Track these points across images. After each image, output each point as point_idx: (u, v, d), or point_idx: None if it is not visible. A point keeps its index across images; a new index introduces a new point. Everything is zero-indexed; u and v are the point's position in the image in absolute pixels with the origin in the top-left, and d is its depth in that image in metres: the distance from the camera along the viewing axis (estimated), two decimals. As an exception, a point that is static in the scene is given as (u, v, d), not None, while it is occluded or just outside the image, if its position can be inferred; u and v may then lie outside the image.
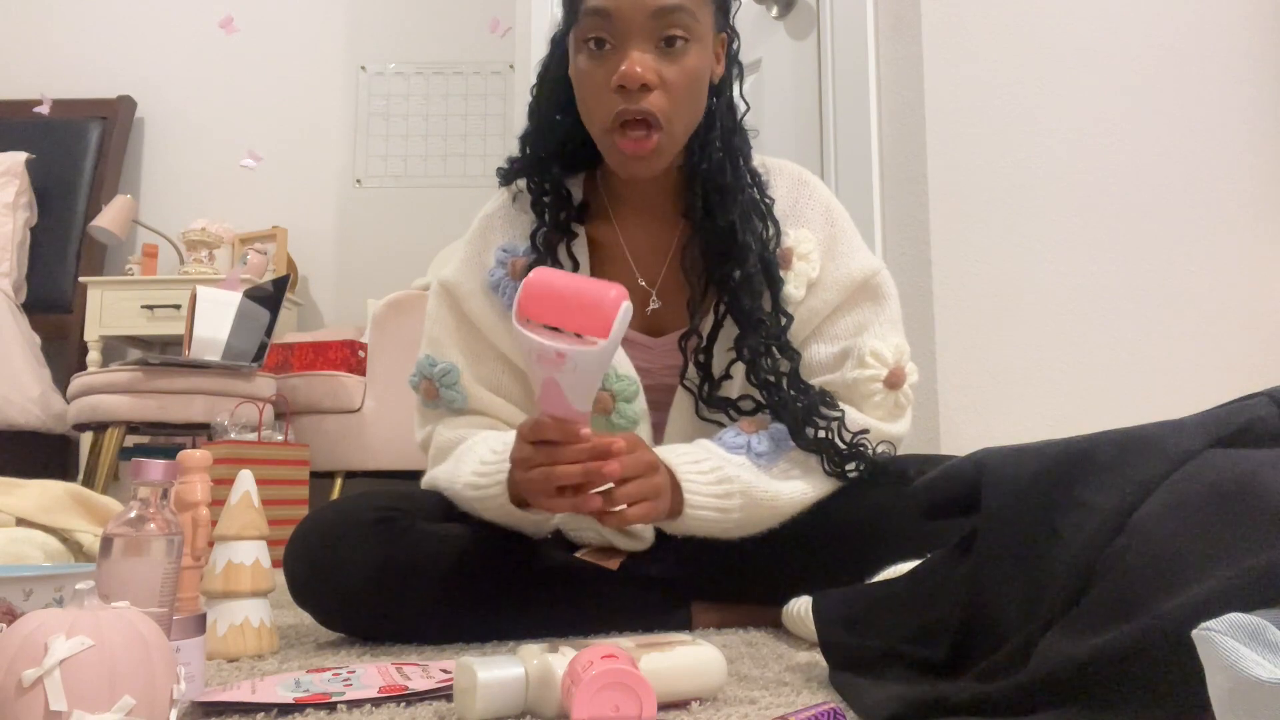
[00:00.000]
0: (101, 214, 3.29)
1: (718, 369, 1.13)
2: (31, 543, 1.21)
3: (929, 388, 1.62)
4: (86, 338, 3.36)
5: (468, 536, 1.08)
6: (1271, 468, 0.54)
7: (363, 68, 3.91)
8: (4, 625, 0.78)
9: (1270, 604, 0.45)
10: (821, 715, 0.61)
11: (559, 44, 1.14)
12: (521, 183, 1.20)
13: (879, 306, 1.15)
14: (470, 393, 1.17)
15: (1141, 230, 1.72)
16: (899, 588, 0.80)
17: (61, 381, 3.00)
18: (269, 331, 2.67)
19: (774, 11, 2.02)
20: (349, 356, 2.92)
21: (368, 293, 3.57)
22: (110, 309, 3.37)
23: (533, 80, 1.19)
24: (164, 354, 3.06)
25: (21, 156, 3.51)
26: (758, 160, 1.18)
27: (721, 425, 1.13)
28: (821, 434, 1.08)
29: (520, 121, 1.22)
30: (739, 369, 1.12)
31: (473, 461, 1.08)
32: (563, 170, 1.19)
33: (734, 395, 1.13)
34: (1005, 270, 1.68)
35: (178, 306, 3.25)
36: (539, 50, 1.25)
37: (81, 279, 3.45)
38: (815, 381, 1.12)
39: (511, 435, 0.99)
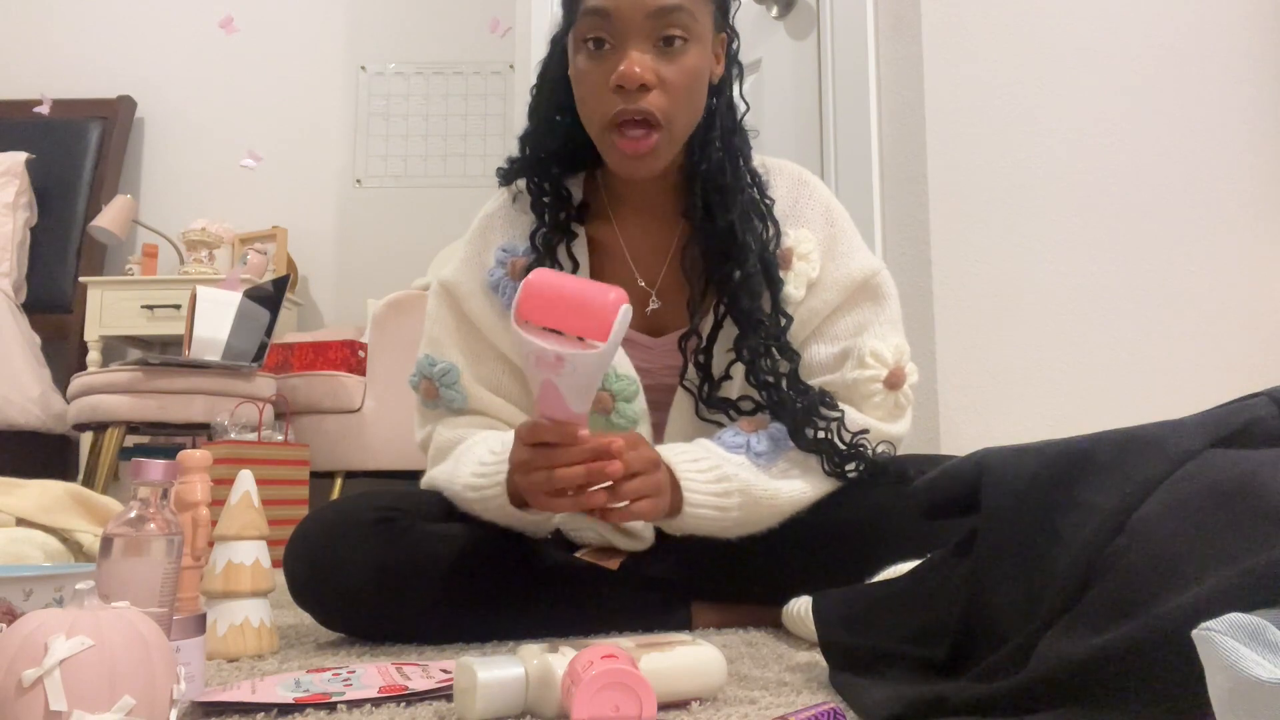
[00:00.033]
0: (101, 214, 3.29)
1: (717, 369, 1.13)
2: (31, 543, 1.21)
3: (929, 388, 1.62)
4: (86, 338, 3.36)
5: (468, 537, 1.08)
6: (1271, 468, 0.54)
7: (363, 68, 3.91)
8: (4, 625, 0.78)
9: (1270, 604, 0.45)
10: (821, 715, 0.61)
11: (558, 44, 1.14)
12: (521, 183, 1.20)
13: (879, 306, 1.15)
14: (470, 392, 1.17)
15: (1141, 230, 1.72)
16: (899, 588, 0.80)
17: (61, 381, 3.00)
18: (269, 331, 2.67)
19: (774, 11, 2.02)
20: (349, 356, 2.92)
21: (368, 293, 3.57)
22: (110, 309, 3.37)
23: (533, 80, 1.19)
24: (164, 354, 3.06)
25: (21, 156, 3.52)
26: (758, 160, 1.18)
27: (721, 425, 1.12)
28: (821, 434, 1.08)
29: (520, 121, 1.22)
30: (738, 369, 1.11)
31: (472, 462, 1.08)
32: (563, 170, 1.19)
33: (734, 395, 1.13)
34: (1005, 270, 1.68)
35: (178, 306, 3.25)
36: (539, 50, 1.25)
37: (81, 279, 3.45)
38: (815, 382, 1.12)
39: (511, 435, 0.99)
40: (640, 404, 1.14)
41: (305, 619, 1.19)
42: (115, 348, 3.55)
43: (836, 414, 1.09)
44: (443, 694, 0.77)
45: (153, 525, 0.70)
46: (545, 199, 1.17)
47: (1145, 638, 0.49)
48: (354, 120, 3.89)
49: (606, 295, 0.82)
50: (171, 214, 3.67)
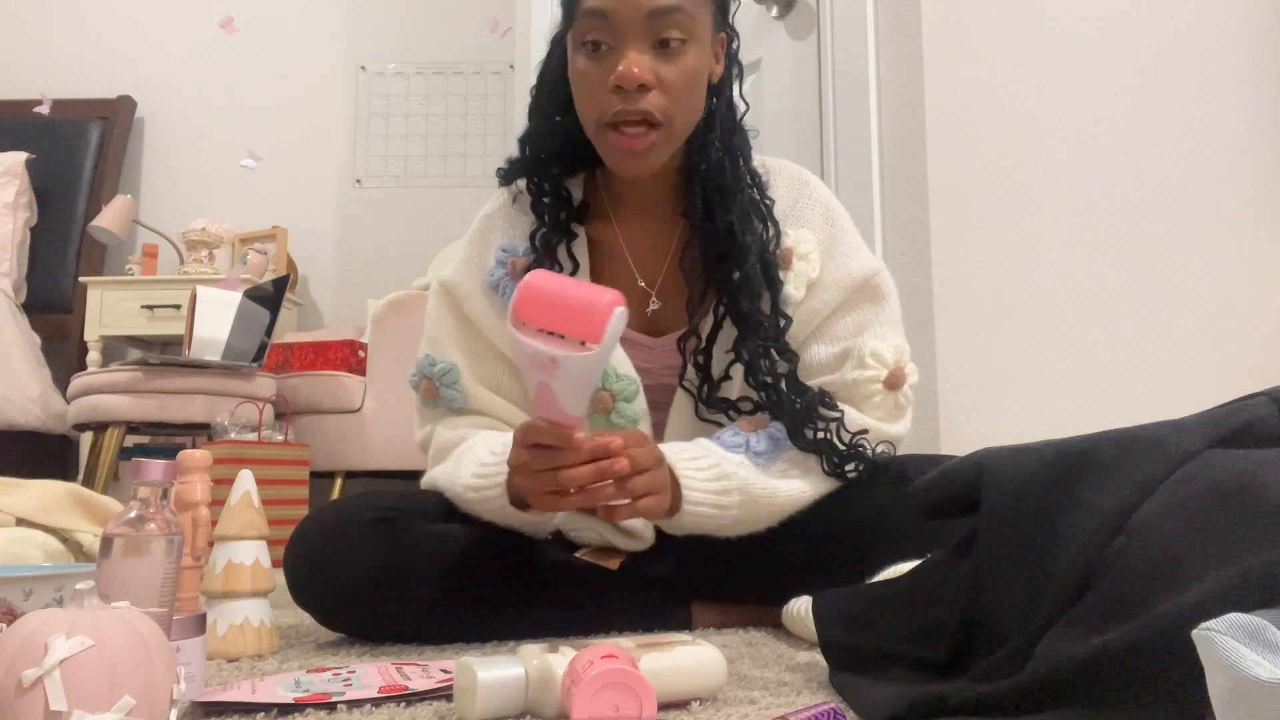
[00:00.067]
0: (101, 214, 3.29)
1: (717, 370, 1.13)
2: (31, 543, 1.21)
3: (929, 388, 1.62)
4: (86, 338, 3.36)
5: (468, 537, 1.08)
6: (1271, 468, 0.54)
7: (363, 68, 3.91)
8: (4, 625, 0.78)
9: (1270, 604, 0.45)
10: (821, 715, 0.61)
11: (558, 44, 1.14)
12: (521, 183, 1.19)
13: (879, 307, 1.15)
14: (470, 392, 1.17)
15: (1141, 230, 1.72)
16: (899, 588, 0.80)
17: (61, 381, 3.00)
18: (269, 331, 2.67)
19: (774, 11, 2.02)
20: (349, 356, 2.92)
21: (368, 293, 3.57)
22: (110, 309, 3.37)
23: (533, 80, 1.19)
24: (164, 354, 3.06)
25: (21, 156, 3.52)
26: (758, 160, 1.18)
27: (721, 425, 1.12)
28: (820, 434, 1.08)
29: (520, 121, 1.22)
30: (738, 370, 1.11)
31: (472, 463, 1.08)
32: (563, 171, 1.19)
33: (733, 396, 1.13)
34: (1005, 270, 1.68)
35: (178, 306, 3.25)
36: (539, 50, 1.25)
37: (81, 279, 3.45)
38: (815, 382, 1.12)
39: (510, 436, 0.99)
40: (640, 404, 1.14)
41: (305, 619, 1.19)
42: (115, 348, 3.55)
43: (836, 414, 1.09)
44: (443, 694, 0.77)
45: (153, 525, 0.70)
46: (545, 199, 1.17)
47: (1145, 638, 0.49)
48: (354, 120, 3.89)
49: (601, 297, 0.82)
50: (171, 214, 3.67)
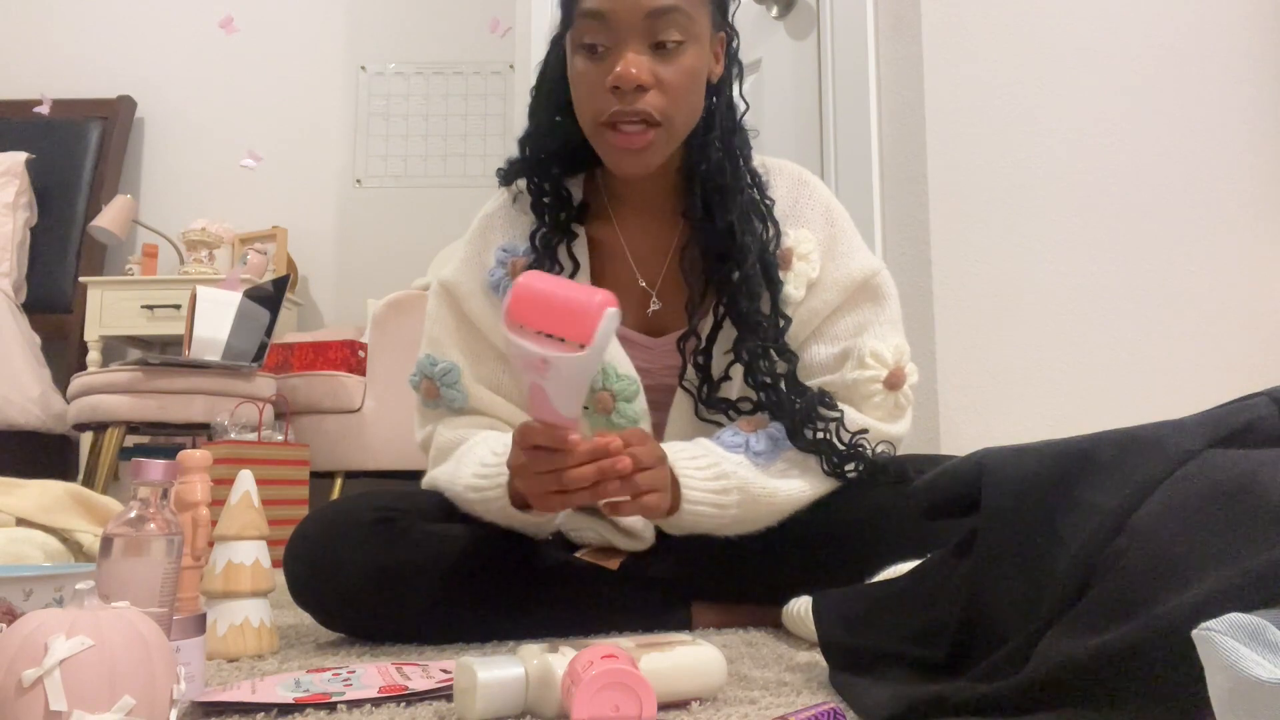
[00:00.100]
0: (101, 214, 3.29)
1: (716, 370, 1.13)
2: (31, 543, 1.21)
3: (929, 388, 1.62)
4: (86, 338, 3.36)
5: (468, 537, 1.08)
6: (1271, 468, 0.54)
7: (363, 68, 3.91)
8: (4, 625, 0.78)
9: (1270, 604, 0.45)
10: (821, 715, 0.61)
11: (557, 45, 1.14)
12: (521, 183, 1.19)
13: (879, 307, 1.15)
14: (471, 392, 1.17)
15: (1141, 230, 1.72)
16: (899, 588, 0.80)
17: (61, 381, 3.00)
18: (269, 331, 2.67)
19: (774, 11, 2.02)
20: (349, 356, 2.92)
21: (368, 293, 3.57)
22: (110, 309, 3.37)
23: (533, 80, 1.19)
24: (164, 354, 3.06)
25: (21, 156, 3.51)
26: (758, 160, 1.18)
27: (721, 426, 1.12)
28: (820, 434, 1.08)
29: (520, 121, 1.22)
30: (738, 370, 1.11)
31: (473, 464, 1.08)
32: (563, 171, 1.19)
33: (733, 396, 1.13)
34: (1005, 270, 1.68)
35: (178, 306, 3.25)
36: (539, 50, 1.25)
37: (81, 279, 3.45)
38: (815, 382, 1.12)
39: (511, 436, 0.99)
40: (640, 404, 1.14)
41: (305, 619, 1.19)
42: (115, 348, 3.55)
43: (835, 414, 1.09)
44: (443, 694, 0.77)
45: (153, 525, 0.70)
46: (545, 199, 1.17)
47: (1145, 638, 0.49)
48: (354, 120, 3.89)
49: (592, 298, 0.82)
50: (171, 214, 3.67)
